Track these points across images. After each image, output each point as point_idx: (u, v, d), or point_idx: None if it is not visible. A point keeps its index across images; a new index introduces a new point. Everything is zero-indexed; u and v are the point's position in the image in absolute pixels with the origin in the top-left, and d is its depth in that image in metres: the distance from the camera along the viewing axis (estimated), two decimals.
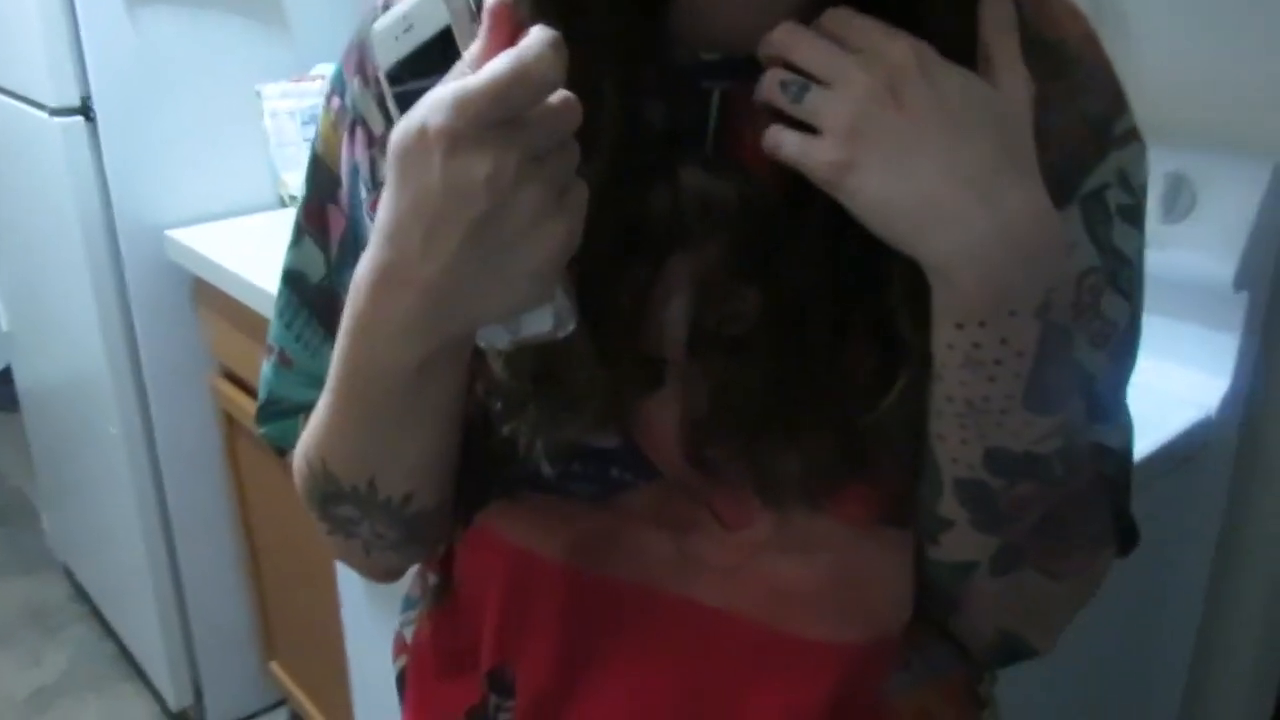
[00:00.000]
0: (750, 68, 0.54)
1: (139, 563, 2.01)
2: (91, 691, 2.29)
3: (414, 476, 0.60)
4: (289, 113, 1.82)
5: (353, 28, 0.65)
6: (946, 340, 0.51)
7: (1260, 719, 1.36)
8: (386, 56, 0.50)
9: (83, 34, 1.69)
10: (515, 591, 0.63)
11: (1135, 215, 0.60)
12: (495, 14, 0.47)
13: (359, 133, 0.63)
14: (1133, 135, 0.59)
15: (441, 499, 0.63)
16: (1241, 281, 1.11)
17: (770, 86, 0.51)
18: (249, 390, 1.79)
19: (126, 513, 1.98)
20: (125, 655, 2.34)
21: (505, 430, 0.59)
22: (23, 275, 2.23)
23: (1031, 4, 0.56)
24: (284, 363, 0.70)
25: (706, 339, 0.56)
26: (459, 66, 0.47)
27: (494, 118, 0.44)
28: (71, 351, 2.03)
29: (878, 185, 0.48)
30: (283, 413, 0.71)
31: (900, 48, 0.48)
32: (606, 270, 0.54)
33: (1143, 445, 1.08)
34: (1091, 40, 0.58)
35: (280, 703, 2.17)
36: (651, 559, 0.60)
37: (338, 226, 0.66)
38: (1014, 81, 0.51)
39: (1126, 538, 0.66)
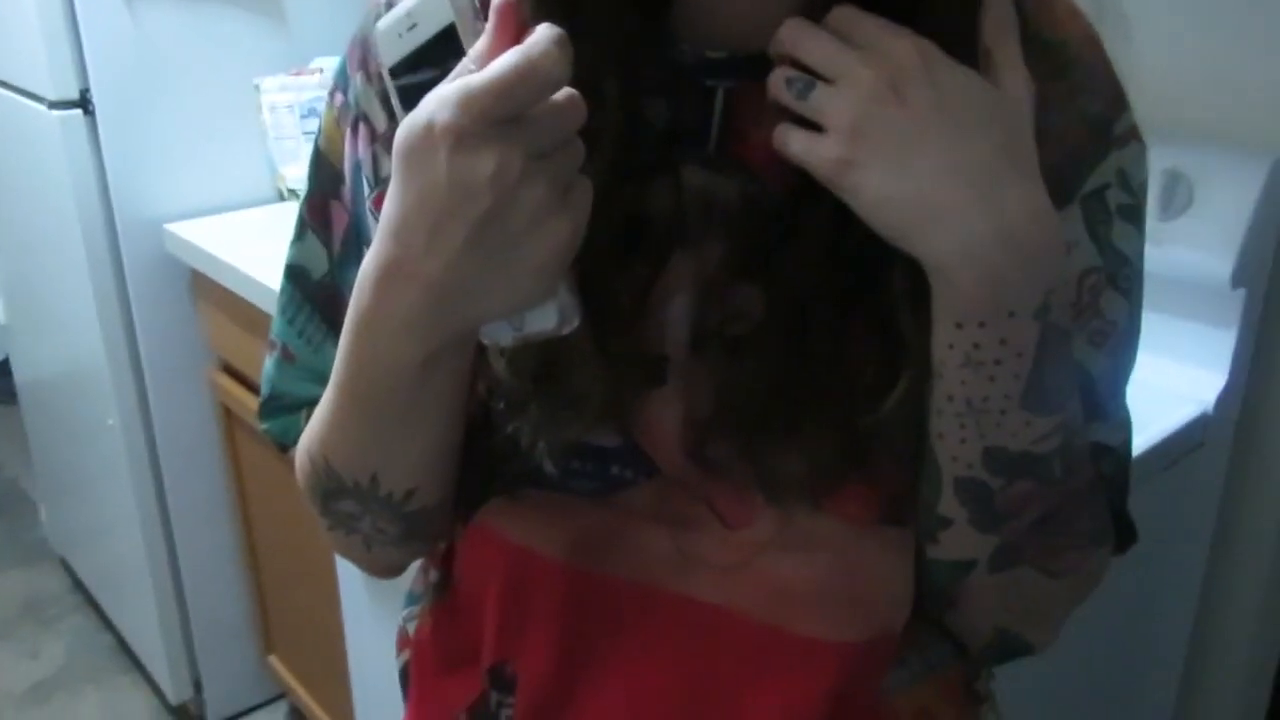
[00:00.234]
0: (755, 66, 0.54)
1: (137, 555, 2.01)
2: (90, 684, 2.29)
3: (416, 472, 0.60)
4: (287, 106, 1.82)
5: (351, 22, 0.65)
6: (946, 340, 0.51)
7: (1256, 713, 1.37)
8: (390, 53, 0.50)
9: (81, 27, 1.69)
10: (515, 589, 0.63)
11: (1135, 215, 0.60)
12: (501, 11, 0.47)
13: (362, 129, 0.63)
14: (1133, 135, 0.59)
15: (443, 495, 0.63)
16: (1239, 278, 1.11)
17: (776, 83, 0.51)
18: (247, 384, 1.79)
19: (125, 505, 1.99)
20: (124, 648, 2.35)
21: (508, 430, 0.59)
22: (21, 268, 2.23)
23: (1033, 4, 0.56)
24: (286, 358, 0.70)
25: (709, 338, 0.56)
26: (464, 64, 0.47)
27: (499, 115, 0.44)
28: (70, 344, 2.03)
29: (879, 183, 0.48)
30: (285, 408, 0.71)
31: (904, 45, 0.49)
32: (608, 268, 0.54)
33: (1139, 441, 1.08)
34: (1092, 40, 0.58)
35: (279, 696, 2.18)
36: (651, 557, 0.60)
37: (340, 222, 0.66)
38: (1015, 82, 0.51)
39: (1124, 535, 0.67)
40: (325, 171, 0.67)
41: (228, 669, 2.13)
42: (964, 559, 0.59)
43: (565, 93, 0.45)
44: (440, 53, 0.48)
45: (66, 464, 2.32)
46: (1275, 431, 1.24)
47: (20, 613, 2.50)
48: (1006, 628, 0.64)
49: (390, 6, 0.57)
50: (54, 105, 1.73)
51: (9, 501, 2.91)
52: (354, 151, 0.64)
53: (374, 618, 1.53)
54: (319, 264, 0.68)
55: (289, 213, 0.70)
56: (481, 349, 0.56)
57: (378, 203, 0.62)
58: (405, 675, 0.74)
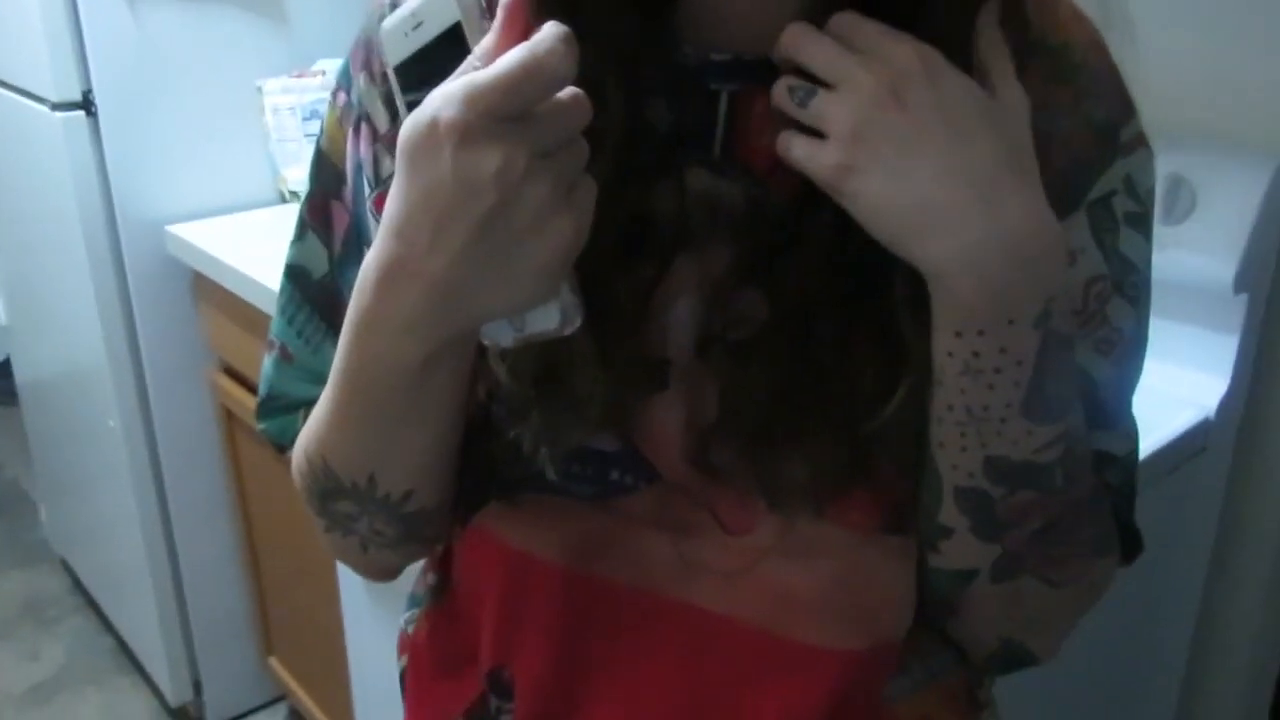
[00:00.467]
0: (759, 70, 0.54)
1: (138, 557, 2.01)
2: (90, 685, 2.29)
3: (414, 474, 0.60)
4: (289, 108, 1.82)
5: (354, 24, 0.65)
6: (946, 348, 0.51)
7: (1258, 717, 1.37)
8: (395, 53, 0.50)
9: (84, 28, 1.69)
10: (513, 593, 0.63)
11: (1142, 222, 0.59)
12: (509, 9, 0.47)
13: (364, 129, 0.63)
14: (1139, 141, 0.59)
15: (441, 498, 0.63)
16: (1241, 283, 1.11)
17: (779, 93, 0.51)
18: (248, 385, 1.79)
19: (125, 506, 1.98)
20: (124, 649, 2.34)
21: (509, 435, 0.59)
22: (23, 269, 2.23)
23: (1036, 9, 0.56)
24: (285, 358, 0.70)
25: (712, 342, 0.56)
26: (469, 61, 0.47)
27: (505, 112, 0.44)
28: (71, 345, 2.03)
29: (878, 188, 0.48)
30: (283, 409, 0.70)
31: (906, 50, 0.48)
32: (610, 271, 0.54)
33: (1142, 446, 1.08)
34: (1097, 45, 0.58)
35: (279, 698, 2.18)
36: (651, 562, 0.60)
37: (341, 222, 0.66)
38: (1010, 95, 0.51)
39: (1130, 546, 0.66)
40: (327, 171, 0.67)
41: (228, 670, 2.13)
42: (965, 568, 0.59)
43: (571, 91, 0.45)
44: (446, 52, 0.48)
45: (67, 465, 2.32)
46: (1277, 436, 1.24)
47: (20, 614, 2.50)
48: (1010, 637, 0.64)
49: (395, 7, 0.57)
50: (56, 106, 1.73)
51: (9, 502, 2.91)
52: (356, 151, 0.64)
53: (374, 619, 1.53)
54: (319, 264, 0.68)
55: (290, 215, 0.70)
56: (483, 352, 0.56)
57: (379, 203, 0.62)
58: (405, 678, 0.74)
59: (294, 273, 0.69)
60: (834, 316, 0.54)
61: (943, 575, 0.60)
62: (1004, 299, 0.49)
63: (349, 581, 1.56)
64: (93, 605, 2.47)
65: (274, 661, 2.07)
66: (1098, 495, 0.60)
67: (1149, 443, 1.09)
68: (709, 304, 0.56)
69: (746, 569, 0.59)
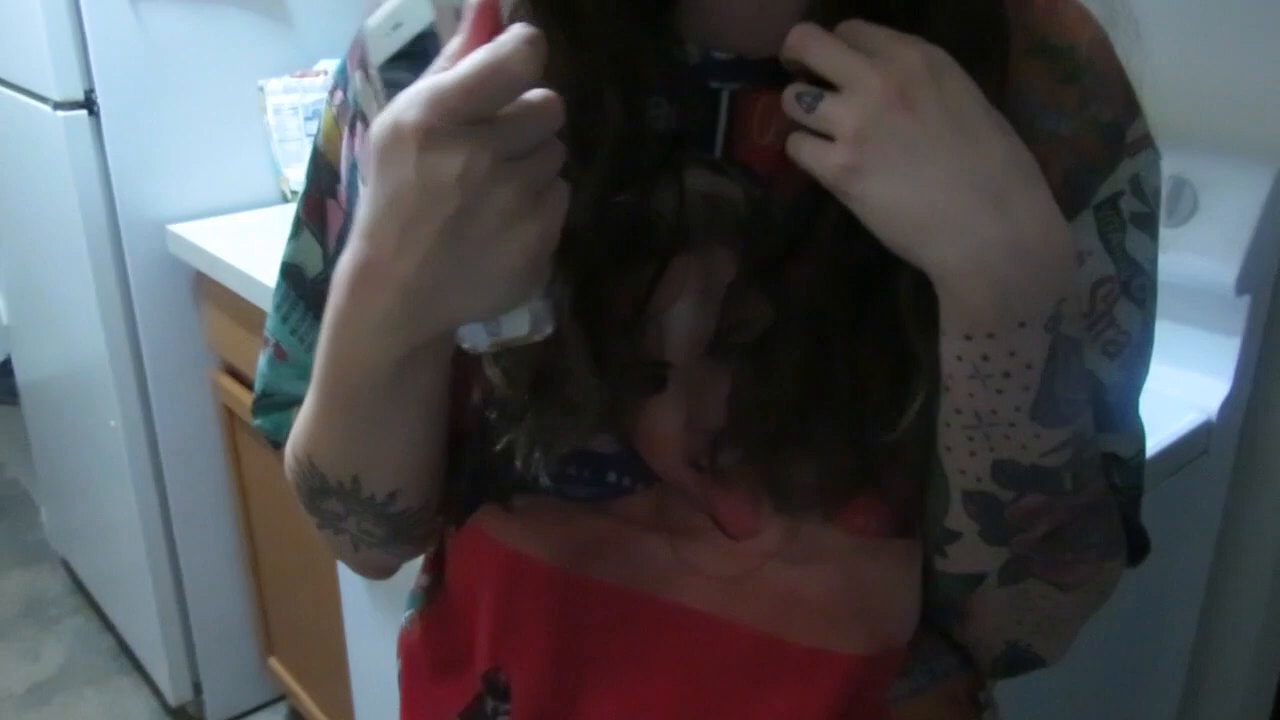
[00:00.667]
0: (762, 70, 0.54)
1: (138, 556, 2.01)
2: (90, 685, 2.29)
3: (398, 474, 0.59)
4: (291, 108, 1.82)
5: (356, 24, 0.65)
6: (954, 352, 0.50)
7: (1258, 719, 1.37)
8: (378, 53, 0.50)
9: (86, 28, 1.69)
10: (509, 594, 0.63)
11: (1149, 223, 0.59)
12: (478, 9, 0.47)
13: (359, 128, 0.63)
14: (1146, 141, 0.58)
15: (428, 498, 0.62)
16: (1243, 285, 1.11)
17: (789, 100, 0.50)
18: (250, 385, 1.78)
19: (126, 506, 1.98)
20: (124, 649, 2.34)
21: (502, 443, 0.58)
22: (24, 268, 2.23)
23: (1041, 9, 0.56)
24: (279, 356, 0.70)
25: (715, 345, 0.56)
26: (438, 62, 0.46)
27: (468, 114, 0.43)
28: (72, 345, 2.03)
29: (885, 190, 0.48)
30: (277, 405, 0.71)
31: (914, 52, 0.48)
32: (606, 272, 0.54)
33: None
34: (1102, 45, 0.57)
35: (280, 698, 2.17)
36: (649, 565, 0.59)
37: (336, 221, 0.66)
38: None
39: (1137, 547, 0.65)
40: (323, 170, 0.67)
41: (228, 670, 2.13)
42: (973, 572, 0.59)
43: (541, 93, 0.45)
44: (424, 52, 0.48)
45: (68, 465, 2.32)
46: (1279, 439, 1.24)
47: (21, 614, 2.50)
48: (1017, 641, 0.63)
49: None
50: (58, 106, 1.73)
51: (10, 502, 2.91)
52: (350, 150, 0.64)
53: (375, 620, 1.52)
54: (314, 262, 0.68)
55: (292, 215, 0.70)
56: (477, 358, 0.56)
57: None
58: (400, 678, 0.74)
59: (289, 270, 0.69)
60: (841, 320, 0.53)
61: (950, 579, 0.60)
62: (1014, 302, 0.48)
63: (349, 582, 1.56)
64: (93, 605, 2.47)
65: (274, 662, 2.07)
66: (1106, 498, 0.60)
67: (1151, 445, 1.07)
68: (710, 306, 0.55)
69: (748, 574, 0.58)
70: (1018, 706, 0.75)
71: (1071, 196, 0.55)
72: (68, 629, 2.45)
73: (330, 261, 0.67)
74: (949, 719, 0.65)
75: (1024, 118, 0.53)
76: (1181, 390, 1.17)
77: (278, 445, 0.70)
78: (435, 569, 0.70)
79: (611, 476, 0.59)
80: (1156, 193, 0.59)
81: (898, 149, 0.47)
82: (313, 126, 1.80)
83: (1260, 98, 1.16)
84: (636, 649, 0.61)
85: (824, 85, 0.50)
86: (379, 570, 0.71)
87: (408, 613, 0.74)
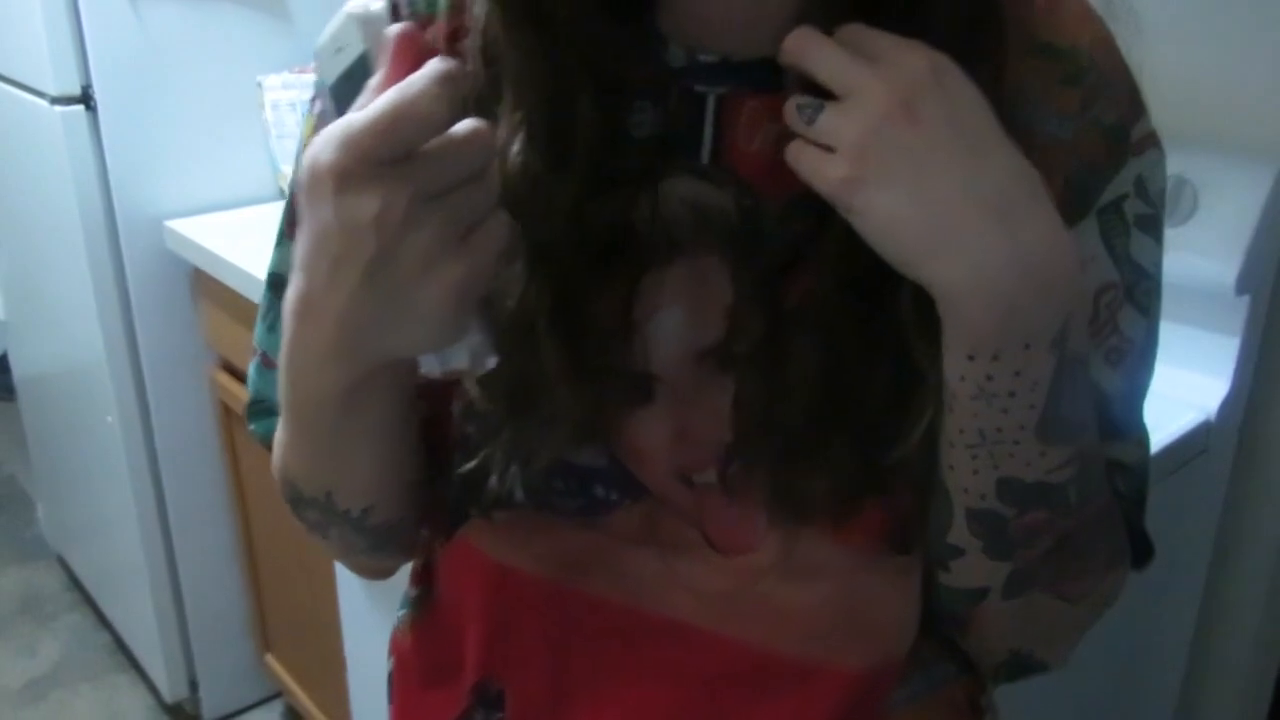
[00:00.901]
0: (748, 72, 0.53)
1: (135, 553, 2.00)
2: (86, 682, 2.29)
3: (369, 492, 0.59)
4: (290, 104, 1.82)
5: None
6: (958, 371, 0.49)
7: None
8: (327, 73, 0.50)
9: (84, 23, 1.69)
10: (500, 606, 0.62)
11: (1153, 225, 0.58)
12: (396, 42, 0.46)
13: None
14: (1151, 140, 0.57)
15: (404, 512, 0.62)
16: (1243, 285, 1.11)
17: (789, 112, 0.48)
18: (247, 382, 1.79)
19: (123, 503, 1.98)
20: (120, 646, 2.34)
21: (479, 457, 0.58)
22: (21, 264, 2.22)
23: (1041, 8, 0.55)
24: (266, 364, 0.69)
25: (705, 356, 0.54)
26: (362, 96, 0.46)
27: (380, 155, 0.42)
28: (69, 341, 2.03)
29: (885, 204, 0.46)
30: (268, 411, 0.70)
31: (918, 60, 0.46)
32: (591, 282, 0.53)
33: None
34: (1105, 43, 0.56)
35: (276, 695, 2.17)
36: (639, 580, 0.58)
37: None
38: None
39: (1140, 552, 0.64)
40: None
41: (224, 667, 2.13)
42: (976, 586, 0.58)
43: (468, 127, 0.44)
44: (365, 76, 0.48)
45: (64, 461, 2.32)
46: (1278, 439, 1.24)
47: (17, 610, 2.50)
48: (1020, 648, 0.63)
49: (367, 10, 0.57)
50: (56, 101, 1.73)
51: (6, 498, 2.91)
52: None
53: (372, 617, 1.52)
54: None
55: None
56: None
57: None
58: (391, 682, 0.74)
59: (274, 280, 0.68)
60: (848, 330, 0.52)
61: (953, 593, 0.59)
62: (1019, 322, 0.46)
63: (346, 579, 1.56)
64: (89, 602, 2.46)
65: (271, 659, 2.07)
66: (1111, 509, 0.59)
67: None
68: (699, 317, 0.54)
69: (740, 589, 0.57)
70: (1016, 705, 0.75)
71: (1074, 202, 0.54)
72: (64, 626, 2.44)
73: None
74: None
75: (1023, 122, 0.52)
76: (1180, 390, 1.17)
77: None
78: (424, 581, 0.69)
79: (599, 490, 0.58)
80: (1161, 193, 0.58)
81: (900, 161, 0.45)
82: None
83: (1260, 97, 1.16)
84: (630, 662, 0.60)
85: (821, 92, 0.48)
86: (374, 573, 0.71)
87: (400, 613, 0.74)
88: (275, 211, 2.02)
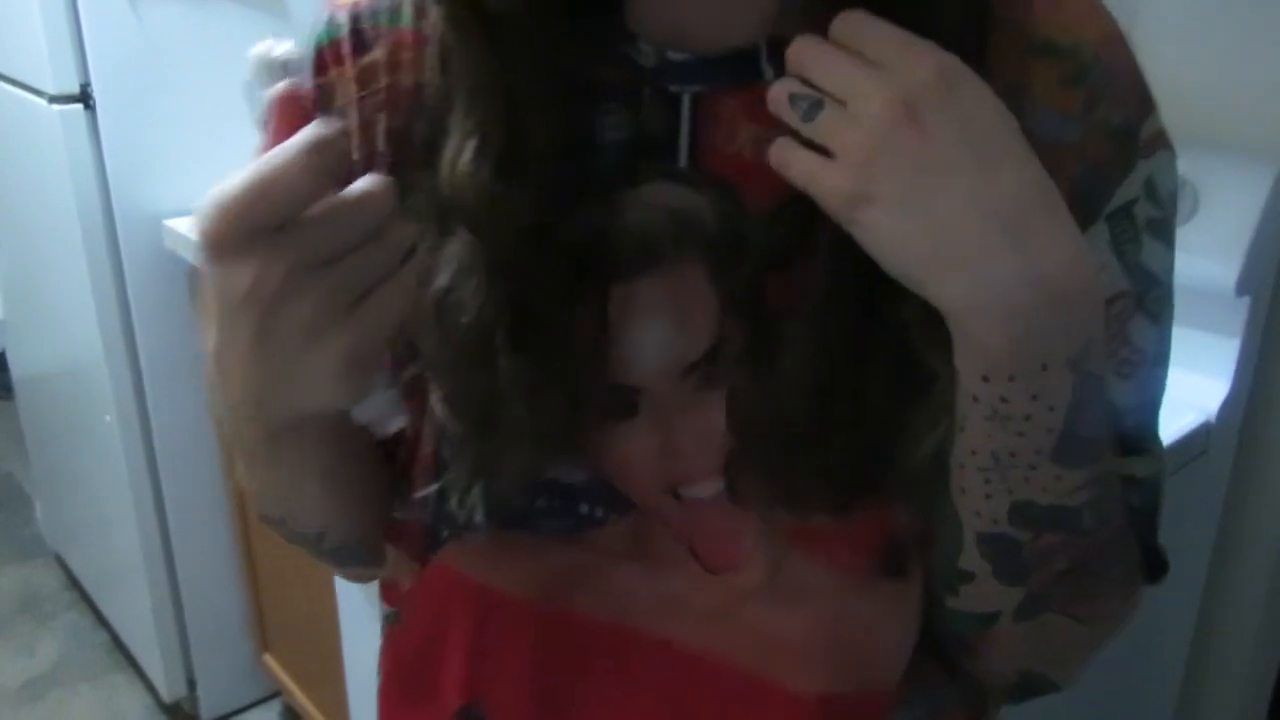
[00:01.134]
0: (724, 68, 0.51)
1: (133, 552, 2.00)
2: (84, 681, 2.28)
3: (319, 517, 0.59)
4: None
5: None
6: (971, 392, 0.46)
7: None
8: (257, 110, 0.49)
9: (83, 21, 1.69)
10: (484, 629, 0.60)
11: (1164, 228, 0.55)
12: (277, 104, 0.44)
13: None
14: (1161, 140, 0.54)
15: (360, 534, 0.62)
16: (1243, 286, 1.11)
17: (778, 99, 0.45)
18: None
19: (121, 502, 1.98)
20: (118, 645, 2.34)
21: (445, 478, 0.57)
22: (20, 263, 2.22)
23: (1042, 6, 0.52)
24: None
25: (692, 368, 0.53)
26: (253, 160, 0.44)
27: (253, 226, 0.41)
28: (68, 339, 2.03)
29: (892, 220, 0.43)
30: None
31: (924, 62, 0.43)
32: (560, 295, 0.51)
33: None
34: (1111, 40, 0.53)
35: (274, 695, 2.17)
36: (627, 598, 0.57)
37: None
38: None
39: (1155, 567, 0.61)
40: None
41: (222, 667, 2.12)
42: (987, 611, 0.55)
43: (359, 191, 0.42)
44: None
45: (63, 460, 2.31)
46: (1278, 440, 1.24)
47: (15, 609, 2.49)
48: (1030, 669, 0.60)
49: (332, 24, 0.57)
50: (54, 100, 1.73)
51: (4, 497, 2.90)
52: None
53: (370, 617, 1.52)
54: None
55: None
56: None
57: None
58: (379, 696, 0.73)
59: None
60: (836, 337, 0.49)
61: (961, 617, 0.56)
62: (1037, 344, 0.44)
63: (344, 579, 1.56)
64: (87, 601, 2.46)
65: (269, 658, 2.07)
66: (1126, 530, 0.56)
67: None
68: (682, 327, 0.52)
69: (729, 608, 0.55)
70: (1015, 706, 0.74)
71: (1081, 208, 0.51)
72: (62, 625, 2.44)
73: None
74: None
75: (1026, 125, 0.48)
76: (1181, 391, 1.15)
77: None
78: (398, 601, 0.67)
79: (584, 508, 0.56)
80: (1172, 195, 0.55)
81: (908, 176, 0.42)
82: None
83: (1261, 98, 1.15)
84: (618, 682, 0.58)
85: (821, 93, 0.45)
86: (357, 578, 0.70)
87: (384, 625, 0.72)
88: None
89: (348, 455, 0.57)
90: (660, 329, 0.53)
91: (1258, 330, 1.18)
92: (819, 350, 0.50)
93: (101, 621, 2.40)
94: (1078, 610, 0.56)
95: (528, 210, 0.49)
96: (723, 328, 0.52)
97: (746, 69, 0.51)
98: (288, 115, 0.44)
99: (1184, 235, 1.10)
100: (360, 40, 0.57)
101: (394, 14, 0.57)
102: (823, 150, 0.44)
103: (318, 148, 0.41)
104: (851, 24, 0.44)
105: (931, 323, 0.45)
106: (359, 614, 1.56)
